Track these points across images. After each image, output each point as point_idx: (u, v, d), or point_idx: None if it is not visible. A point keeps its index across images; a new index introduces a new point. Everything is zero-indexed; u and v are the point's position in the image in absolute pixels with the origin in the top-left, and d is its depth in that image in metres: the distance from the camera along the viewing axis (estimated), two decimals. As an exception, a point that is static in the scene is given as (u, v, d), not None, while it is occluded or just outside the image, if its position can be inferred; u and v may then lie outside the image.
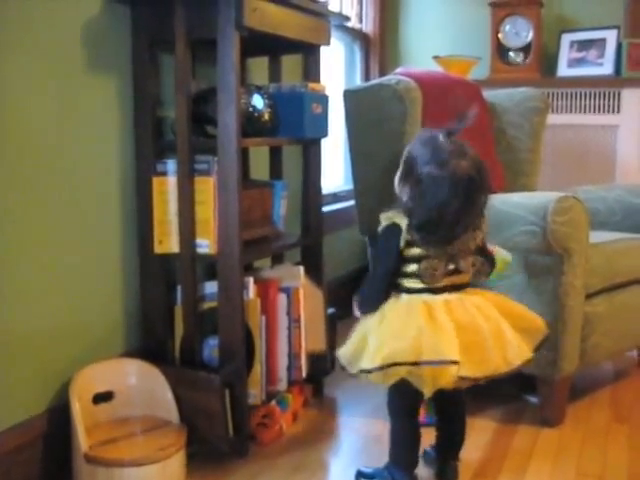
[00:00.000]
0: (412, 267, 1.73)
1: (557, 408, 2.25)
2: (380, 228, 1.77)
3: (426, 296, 1.72)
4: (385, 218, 1.75)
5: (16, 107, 1.72)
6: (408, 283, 1.75)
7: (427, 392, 1.71)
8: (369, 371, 1.66)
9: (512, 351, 1.70)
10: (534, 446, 2.11)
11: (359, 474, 1.92)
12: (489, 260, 1.80)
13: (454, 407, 1.91)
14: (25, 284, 1.77)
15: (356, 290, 1.84)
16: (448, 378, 1.64)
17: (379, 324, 1.73)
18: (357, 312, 1.82)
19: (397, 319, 1.70)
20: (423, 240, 1.69)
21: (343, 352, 1.79)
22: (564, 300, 2.12)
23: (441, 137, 1.71)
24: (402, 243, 1.70)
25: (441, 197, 1.64)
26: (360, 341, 1.75)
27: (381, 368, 1.64)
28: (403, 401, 1.82)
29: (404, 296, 1.75)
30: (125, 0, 1.99)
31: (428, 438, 1.94)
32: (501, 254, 1.86)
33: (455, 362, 1.61)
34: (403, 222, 1.70)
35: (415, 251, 1.71)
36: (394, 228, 1.71)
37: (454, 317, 1.68)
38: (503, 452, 2.08)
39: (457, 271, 1.74)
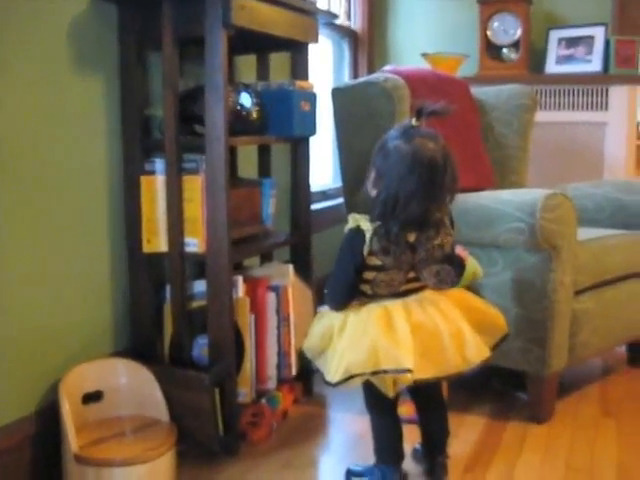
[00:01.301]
0: (372, 275, 1.73)
1: (546, 404, 2.25)
2: (346, 228, 1.76)
3: (386, 301, 1.74)
4: (353, 219, 1.74)
5: (1, 107, 1.71)
6: (368, 290, 1.76)
7: (389, 392, 1.74)
8: (332, 385, 1.70)
9: (470, 350, 1.72)
10: (524, 441, 2.12)
11: (349, 472, 1.92)
12: (458, 267, 1.79)
13: (432, 404, 1.92)
14: (13, 284, 1.76)
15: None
16: (407, 381, 1.68)
17: (341, 329, 1.75)
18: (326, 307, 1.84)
19: (357, 327, 1.72)
20: (389, 239, 1.68)
21: (308, 347, 1.84)
22: (553, 297, 2.12)
23: (413, 120, 1.72)
24: (365, 251, 1.70)
25: (402, 171, 1.64)
26: (324, 338, 1.79)
27: (342, 382, 1.68)
28: (378, 398, 1.81)
29: (366, 302, 1.77)
30: (112, -1, 1.99)
31: (419, 436, 1.95)
32: (473, 266, 1.83)
33: (409, 370, 1.63)
34: (369, 229, 1.69)
35: (375, 261, 1.71)
36: (359, 232, 1.70)
37: (412, 320, 1.70)
38: (493, 448, 2.08)
39: (417, 279, 1.76)
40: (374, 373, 1.67)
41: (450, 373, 1.71)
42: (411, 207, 1.65)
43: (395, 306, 1.73)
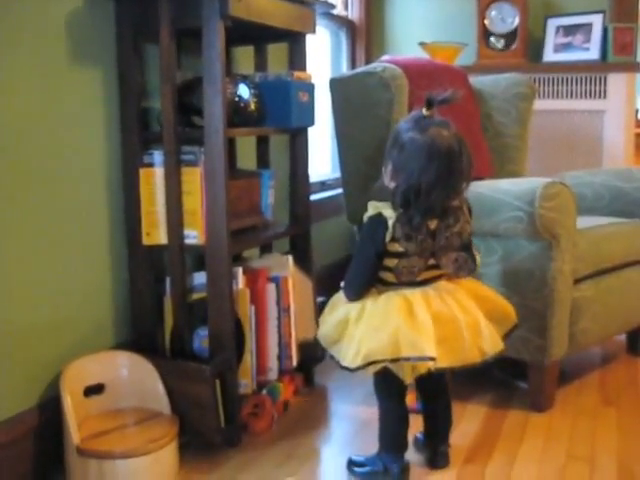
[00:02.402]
0: (393, 262, 1.74)
1: (546, 393, 2.26)
2: (366, 215, 1.77)
3: (405, 290, 1.75)
4: (373, 207, 1.76)
5: None
6: (388, 277, 1.77)
7: (407, 379, 1.77)
8: (351, 370, 1.70)
9: (486, 341, 1.74)
10: (524, 430, 2.13)
11: (350, 462, 1.93)
12: (473, 259, 1.81)
13: (438, 393, 1.94)
14: (12, 278, 1.76)
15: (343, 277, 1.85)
16: (426, 368, 1.70)
17: (359, 317, 1.75)
18: (344, 298, 1.83)
19: (376, 315, 1.72)
20: (412, 226, 1.69)
21: (323, 334, 1.84)
22: (552, 285, 2.12)
23: (424, 110, 1.73)
24: (387, 237, 1.70)
25: (421, 161, 1.66)
26: (340, 326, 1.78)
27: (361, 367, 1.68)
28: (389, 385, 1.83)
29: (384, 290, 1.77)
30: (108, -10, 1.98)
31: (420, 425, 1.96)
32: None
33: (432, 358, 1.65)
34: (392, 216, 1.70)
35: (397, 247, 1.71)
36: (380, 219, 1.71)
37: (432, 310, 1.71)
38: (494, 437, 2.09)
39: (436, 266, 1.77)
40: (395, 360, 1.68)
41: (466, 363, 1.72)
42: (432, 196, 1.66)
43: (414, 295, 1.73)
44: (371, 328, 1.71)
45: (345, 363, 1.72)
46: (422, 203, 1.67)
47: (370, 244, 1.74)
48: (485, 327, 1.75)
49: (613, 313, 2.41)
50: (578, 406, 2.29)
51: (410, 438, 1.91)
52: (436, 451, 1.93)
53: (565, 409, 2.26)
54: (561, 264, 2.13)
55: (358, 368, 1.69)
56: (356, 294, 1.79)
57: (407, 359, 1.67)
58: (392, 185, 1.74)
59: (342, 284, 1.84)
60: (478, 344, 1.73)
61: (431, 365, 1.66)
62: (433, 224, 1.71)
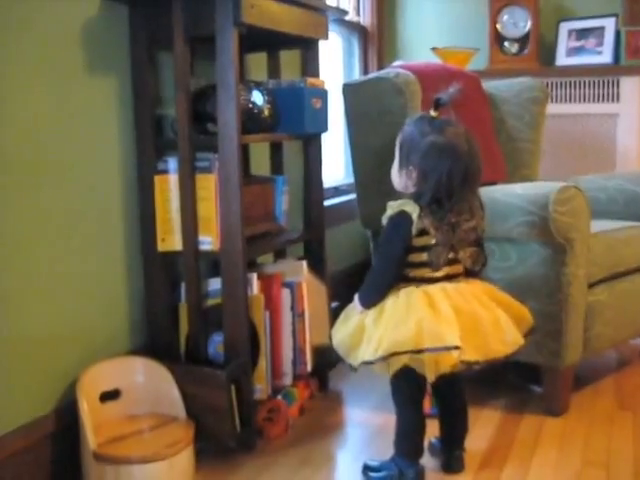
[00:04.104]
0: (419, 257, 1.76)
1: (561, 397, 2.25)
2: (387, 216, 1.78)
3: (425, 286, 1.75)
4: (393, 207, 1.77)
5: (15, 108, 1.72)
6: (410, 272, 1.78)
7: (430, 377, 1.74)
8: (372, 362, 1.70)
9: (508, 336, 1.75)
10: (539, 435, 2.12)
11: (366, 467, 1.93)
12: (484, 254, 1.84)
13: (454, 397, 1.93)
14: (29, 284, 1.78)
15: (359, 285, 1.85)
16: (450, 362, 1.68)
17: (379, 316, 1.75)
18: (359, 307, 1.83)
19: (397, 311, 1.73)
20: (436, 218, 1.72)
21: (340, 342, 1.83)
22: (567, 290, 2.12)
23: (431, 111, 1.77)
24: (414, 231, 1.72)
25: (448, 162, 1.69)
26: (357, 332, 1.79)
27: (383, 359, 1.68)
28: (408, 390, 1.84)
29: (403, 287, 1.77)
30: (123, -1, 2.00)
31: (433, 429, 1.96)
32: None
33: (457, 347, 1.65)
34: (414, 210, 1.72)
35: (425, 240, 1.74)
36: (405, 215, 1.73)
37: (453, 303, 1.72)
38: (508, 442, 2.09)
39: (454, 261, 1.78)
40: (418, 351, 1.67)
41: (490, 358, 1.72)
42: (463, 194, 1.72)
43: (435, 290, 1.74)
44: (392, 324, 1.71)
45: (366, 357, 1.71)
46: (451, 199, 1.70)
47: (397, 241, 1.75)
48: (505, 322, 1.76)
49: (628, 317, 2.40)
50: (593, 411, 2.29)
51: (425, 443, 1.91)
52: (451, 456, 1.93)
53: (580, 414, 2.26)
54: (575, 268, 2.13)
55: (379, 360, 1.68)
56: (381, 294, 1.79)
57: (431, 350, 1.66)
58: (413, 189, 1.77)
59: (356, 295, 1.84)
60: (500, 338, 1.73)
61: (456, 356, 1.65)
62: (453, 218, 1.74)
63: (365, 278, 1.84)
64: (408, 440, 1.86)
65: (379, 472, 1.90)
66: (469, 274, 1.83)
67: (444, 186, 1.69)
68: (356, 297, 1.85)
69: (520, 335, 1.78)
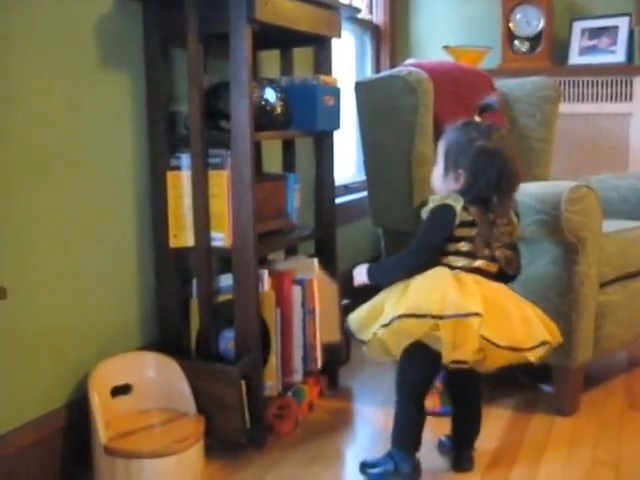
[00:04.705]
0: (456, 245, 1.78)
1: (572, 397, 2.25)
2: (429, 208, 1.80)
3: (458, 272, 1.77)
4: (435, 200, 1.80)
5: (29, 105, 1.73)
6: (445, 259, 1.79)
7: (446, 356, 1.71)
8: (388, 324, 1.70)
9: (536, 331, 1.73)
10: (549, 435, 2.12)
11: (363, 465, 1.93)
12: (519, 261, 1.85)
13: (470, 395, 1.93)
14: (43, 280, 1.79)
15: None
16: (469, 341, 1.66)
17: (403, 291, 1.76)
18: (362, 277, 1.86)
19: (424, 283, 1.75)
20: (481, 211, 1.75)
21: (355, 317, 1.85)
22: (578, 289, 2.12)
23: (476, 117, 1.84)
24: (457, 221, 1.74)
25: (497, 165, 1.74)
26: (375, 308, 1.80)
27: (400, 317, 1.68)
28: (412, 380, 1.83)
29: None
30: (137, -4, 2.00)
31: (444, 428, 1.96)
32: None
33: (477, 314, 1.64)
34: (458, 203, 1.75)
35: (465, 231, 1.76)
36: (449, 207, 1.76)
37: (482, 292, 1.72)
38: (518, 441, 2.08)
39: (490, 258, 1.79)
40: (437, 317, 1.67)
41: (512, 344, 1.69)
42: (505, 197, 1.77)
43: (466, 276, 1.75)
44: (417, 292, 1.72)
45: (381, 321, 1.73)
46: (499, 202, 1.75)
47: (438, 230, 1.78)
48: (535, 318, 1.76)
49: (639, 317, 2.39)
50: (603, 411, 2.28)
51: (434, 440, 1.91)
52: (461, 455, 1.93)
53: (590, 414, 2.25)
54: (587, 268, 2.12)
55: (396, 318, 1.68)
56: (399, 275, 1.80)
57: (451, 316, 1.66)
58: (455, 188, 1.80)
59: (365, 266, 1.86)
60: (528, 331, 1.72)
61: (475, 324, 1.64)
62: (491, 216, 1.77)
63: (391, 257, 1.86)
64: (407, 433, 1.87)
65: (376, 467, 1.90)
66: (500, 280, 1.81)
67: (494, 187, 1.74)
68: (362, 268, 1.87)
69: (546, 333, 1.75)
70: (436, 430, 1.91)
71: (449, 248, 1.78)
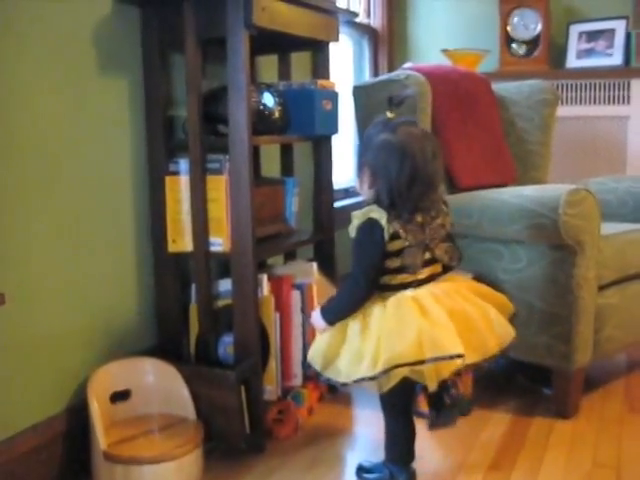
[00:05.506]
0: (396, 262, 1.71)
1: (571, 400, 2.25)
2: (355, 225, 1.73)
3: (411, 291, 1.71)
4: (358, 215, 1.72)
5: (28, 109, 1.73)
6: (391, 280, 1.73)
7: (431, 386, 1.68)
8: (373, 378, 1.63)
9: (500, 329, 1.72)
10: (549, 438, 2.12)
11: (360, 469, 1.92)
12: (458, 249, 1.81)
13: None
14: (40, 285, 1.79)
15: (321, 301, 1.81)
16: (452, 368, 1.64)
17: (364, 328, 1.69)
18: (320, 323, 1.77)
19: (387, 321, 1.67)
20: (404, 220, 1.68)
21: (316, 355, 1.75)
22: (577, 292, 2.12)
23: (387, 113, 1.76)
24: (386, 237, 1.68)
25: (398, 159, 1.67)
26: (335, 339, 1.73)
27: (385, 372, 1.61)
28: (397, 398, 1.79)
29: (388, 295, 1.72)
30: (135, 1, 2.00)
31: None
32: None
33: (460, 355, 1.60)
34: (382, 216, 1.68)
35: (399, 244, 1.69)
36: (373, 221, 1.69)
37: (443, 306, 1.67)
38: (518, 444, 2.08)
39: (432, 260, 1.75)
40: (420, 362, 1.61)
41: (488, 356, 1.68)
42: (413, 192, 1.67)
43: (421, 294, 1.69)
44: (385, 335, 1.64)
45: (363, 373, 1.64)
46: (405, 200, 1.67)
47: (372, 247, 1.69)
48: (495, 316, 1.73)
49: (638, 319, 2.39)
50: (603, 413, 2.28)
51: (432, 442, 1.90)
52: (440, 403, 1.79)
53: (590, 416, 2.25)
54: (585, 271, 2.12)
55: (379, 374, 1.61)
56: (355, 307, 1.72)
57: (434, 360, 1.60)
58: (370, 191, 1.75)
59: (317, 312, 1.78)
60: (494, 333, 1.70)
61: (459, 364, 1.61)
62: (419, 218, 1.70)
63: (336, 292, 1.80)
64: (399, 446, 1.84)
65: (372, 474, 1.89)
66: (446, 270, 1.80)
67: (395, 185, 1.67)
68: (317, 313, 1.78)
69: (510, 326, 1.75)
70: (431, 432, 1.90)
71: (389, 265, 1.71)
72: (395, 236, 1.68)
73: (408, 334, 1.62)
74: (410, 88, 1.75)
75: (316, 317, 1.78)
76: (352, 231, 1.74)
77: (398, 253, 1.70)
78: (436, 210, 1.74)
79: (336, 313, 1.75)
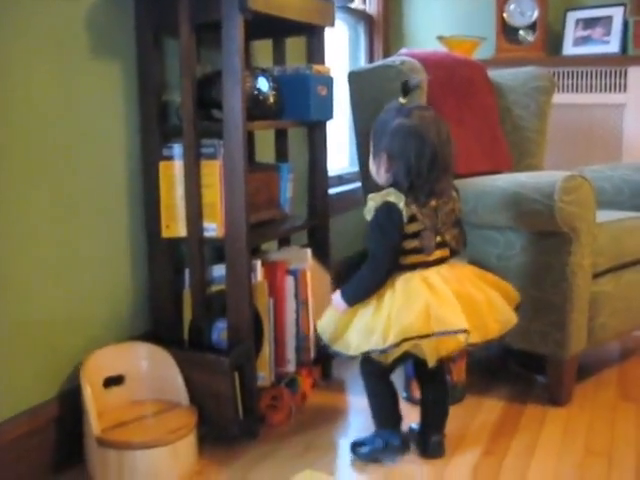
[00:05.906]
0: (412, 243, 1.77)
1: (565, 387, 2.25)
2: (371, 208, 1.78)
3: (420, 270, 1.77)
4: (375, 198, 1.78)
5: (21, 94, 1.72)
6: (406, 260, 1.78)
7: (431, 361, 1.78)
8: (384, 350, 1.70)
9: (502, 315, 1.79)
10: (542, 424, 2.12)
11: (354, 444, 1.96)
12: (464, 234, 1.88)
13: (435, 380, 1.94)
14: (34, 269, 1.78)
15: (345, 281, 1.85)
16: (454, 346, 1.74)
17: (378, 305, 1.76)
18: (341, 304, 1.82)
19: (397, 298, 1.74)
20: (420, 203, 1.74)
21: (325, 328, 1.86)
22: (572, 280, 2.12)
23: (400, 98, 1.80)
24: (405, 219, 1.73)
25: (416, 143, 1.72)
26: (346, 317, 1.81)
27: (395, 345, 1.68)
28: (375, 364, 1.84)
29: (397, 275, 1.78)
30: (129, -16, 1.99)
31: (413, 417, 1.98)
32: None
33: (465, 330, 1.68)
34: (399, 199, 1.73)
35: (416, 226, 1.75)
36: (390, 205, 1.74)
37: (450, 287, 1.74)
38: (511, 430, 2.09)
39: (442, 244, 1.81)
40: (427, 336, 1.69)
41: (488, 338, 1.77)
42: (433, 175, 1.72)
43: (431, 273, 1.76)
44: (395, 311, 1.72)
45: (374, 345, 1.71)
46: (424, 182, 1.72)
47: (392, 229, 1.75)
48: (498, 301, 1.80)
49: (632, 308, 2.39)
50: (596, 401, 2.28)
51: (405, 428, 1.94)
52: (429, 440, 1.92)
53: (583, 404, 2.26)
54: (580, 258, 2.12)
55: (389, 347, 1.69)
56: (377, 287, 1.78)
57: (440, 334, 1.69)
58: (386, 176, 1.79)
59: (338, 293, 1.84)
60: (496, 318, 1.78)
61: (462, 341, 1.70)
62: (434, 202, 1.76)
63: (357, 274, 1.83)
64: (386, 412, 1.91)
65: (366, 445, 1.93)
66: (452, 254, 1.86)
67: (414, 168, 1.72)
68: (337, 296, 1.84)
69: (513, 314, 1.82)
70: (406, 418, 1.92)
71: (405, 246, 1.77)
72: (412, 219, 1.74)
73: (416, 307, 1.70)
74: (417, 74, 1.78)
75: (337, 299, 1.84)
76: (368, 213, 1.80)
77: (415, 235, 1.76)
78: (447, 196, 1.79)
79: (357, 294, 1.81)
